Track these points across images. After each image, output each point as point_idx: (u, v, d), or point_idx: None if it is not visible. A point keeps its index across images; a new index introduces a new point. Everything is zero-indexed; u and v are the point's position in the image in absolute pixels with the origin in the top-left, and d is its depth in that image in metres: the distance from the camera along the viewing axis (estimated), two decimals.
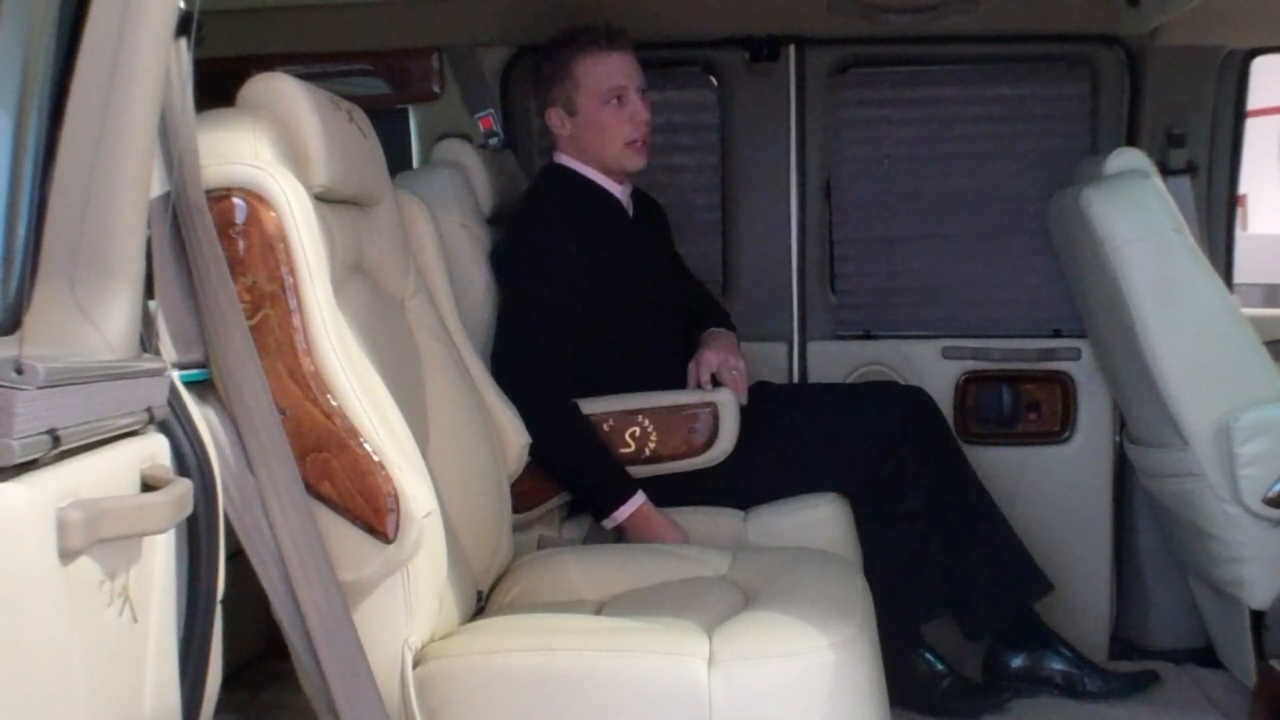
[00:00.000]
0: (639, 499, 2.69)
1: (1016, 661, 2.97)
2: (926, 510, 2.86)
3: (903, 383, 3.31)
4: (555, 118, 2.87)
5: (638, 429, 2.76)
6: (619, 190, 2.91)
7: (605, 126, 2.82)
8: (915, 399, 3.00)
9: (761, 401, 2.98)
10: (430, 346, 2.33)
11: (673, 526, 2.70)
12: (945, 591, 2.88)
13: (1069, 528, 3.30)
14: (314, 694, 1.79)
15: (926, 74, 3.43)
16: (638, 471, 2.76)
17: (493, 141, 3.24)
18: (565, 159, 2.90)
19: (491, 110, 3.26)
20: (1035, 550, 3.01)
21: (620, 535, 2.73)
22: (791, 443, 2.85)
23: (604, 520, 2.72)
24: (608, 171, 2.88)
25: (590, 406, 2.74)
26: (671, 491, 2.77)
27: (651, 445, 2.77)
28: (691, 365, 2.88)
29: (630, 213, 2.95)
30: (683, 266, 3.17)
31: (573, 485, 2.78)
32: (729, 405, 2.79)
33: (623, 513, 2.68)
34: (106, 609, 1.20)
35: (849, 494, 2.79)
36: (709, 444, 2.78)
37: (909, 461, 2.85)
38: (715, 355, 2.87)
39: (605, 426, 2.75)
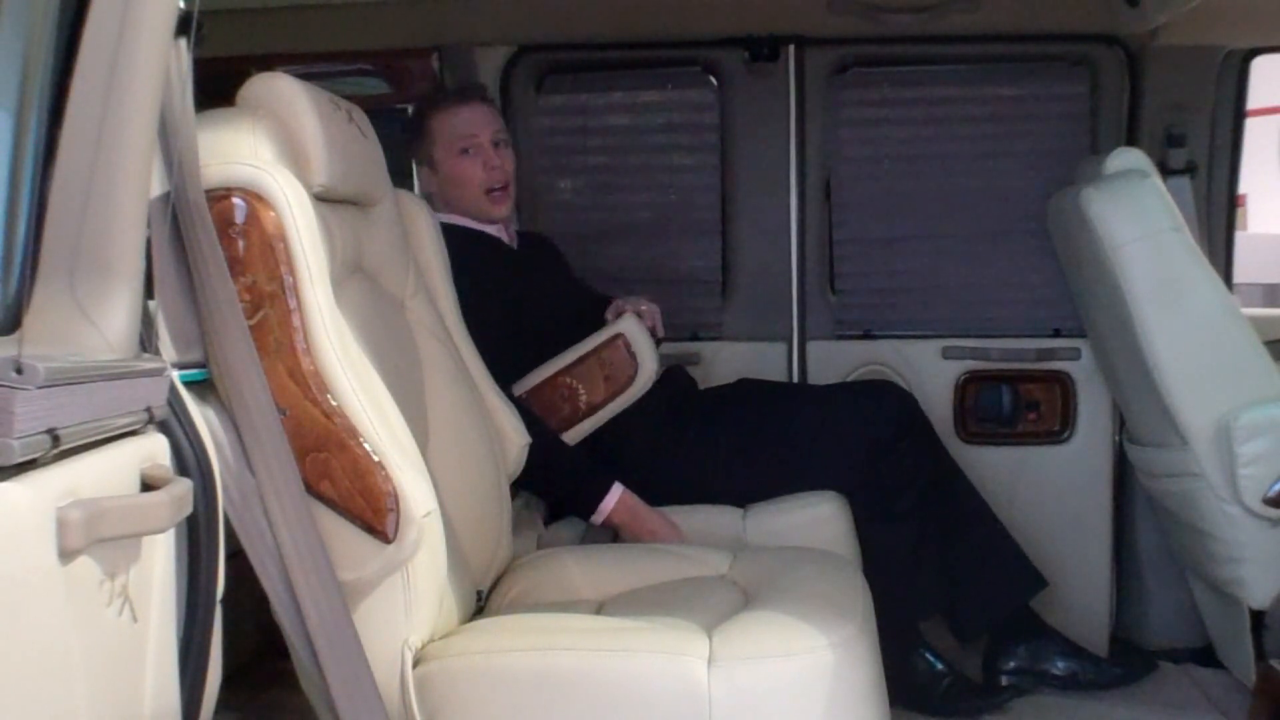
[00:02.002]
0: (618, 489, 2.70)
1: (1015, 658, 2.98)
2: (922, 508, 2.86)
3: (903, 383, 3.31)
4: (424, 175, 2.96)
5: (565, 389, 2.81)
6: (494, 228, 2.96)
7: (461, 177, 2.89)
8: (903, 400, 3.01)
9: (757, 400, 2.99)
10: (430, 346, 2.33)
11: (665, 519, 2.70)
12: (943, 589, 2.89)
13: (1068, 527, 3.30)
14: (314, 694, 1.79)
15: (926, 74, 3.43)
16: (583, 429, 2.82)
17: None
18: (440, 216, 2.93)
19: None
20: (1034, 550, 3.02)
21: (617, 535, 2.74)
22: (788, 442, 2.86)
23: (591, 517, 2.73)
24: (478, 218, 2.93)
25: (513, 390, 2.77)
26: (670, 490, 2.78)
27: (582, 398, 2.81)
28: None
29: (514, 245, 3.00)
30: (585, 285, 3.18)
31: (552, 493, 2.81)
32: (634, 329, 2.85)
33: (607, 504, 2.69)
34: (106, 609, 1.20)
35: (846, 493, 2.79)
36: (634, 374, 2.83)
37: (905, 460, 2.86)
38: (621, 301, 2.96)
39: (533, 404, 2.77)
